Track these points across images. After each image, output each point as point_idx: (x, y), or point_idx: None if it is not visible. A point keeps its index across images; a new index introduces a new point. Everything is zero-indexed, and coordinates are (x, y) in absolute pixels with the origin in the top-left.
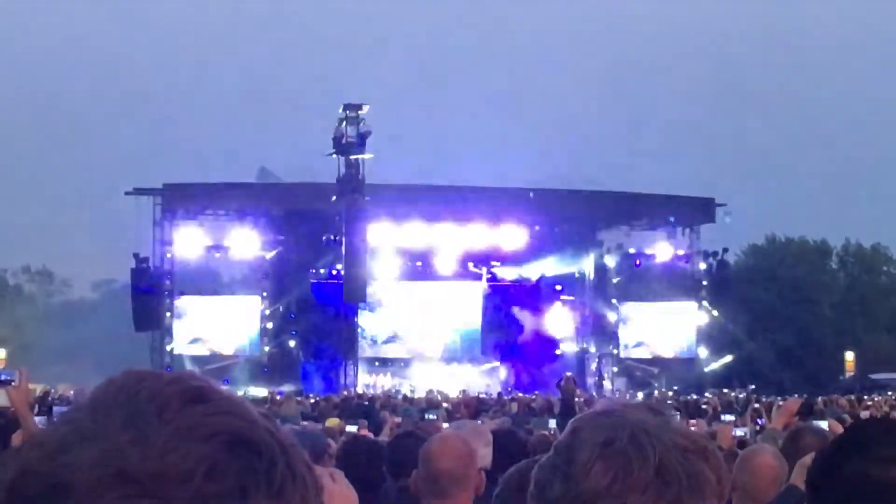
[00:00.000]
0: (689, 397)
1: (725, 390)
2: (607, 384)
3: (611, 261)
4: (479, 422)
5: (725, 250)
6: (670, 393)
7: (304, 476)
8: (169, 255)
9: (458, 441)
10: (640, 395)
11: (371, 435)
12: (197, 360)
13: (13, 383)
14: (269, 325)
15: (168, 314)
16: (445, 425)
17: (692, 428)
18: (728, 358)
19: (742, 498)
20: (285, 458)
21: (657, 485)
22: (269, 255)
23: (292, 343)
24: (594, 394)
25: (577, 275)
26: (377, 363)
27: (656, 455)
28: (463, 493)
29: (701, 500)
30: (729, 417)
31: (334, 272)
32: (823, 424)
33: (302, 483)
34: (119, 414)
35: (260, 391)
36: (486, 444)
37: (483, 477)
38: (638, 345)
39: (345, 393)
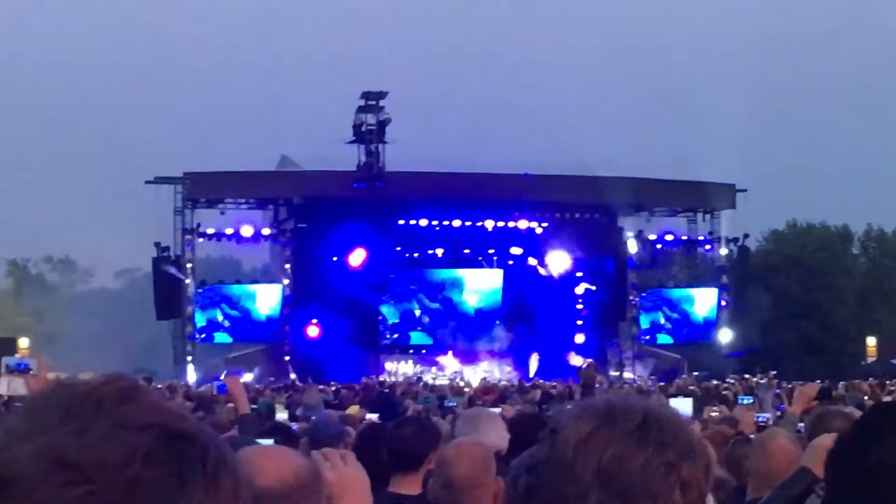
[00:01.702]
0: (710, 383)
1: (746, 376)
2: (627, 372)
3: (632, 247)
4: (499, 409)
5: (746, 236)
6: (691, 379)
7: (235, 465)
8: (190, 244)
9: (474, 447)
10: (662, 382)
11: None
12: (218, 348)
13: (31, 372)
14: (290, 313)
15: (190, 303)
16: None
17: (714, 413)
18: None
19: (757, 482)
20: (217, 447)
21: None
22: (290, 243)
23: (314, 331)
24: (615, 380)
25: (597, 261)
26: (399, 351)
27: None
28: (479, 501)
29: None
30: (747, 401)
31: (356, 260)
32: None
33: (233, 471)
34: (55, 413)
35: (283, 380)
36: (501, 430)
37: (501, 483)
38: (659, 331)
39: (365, 381)
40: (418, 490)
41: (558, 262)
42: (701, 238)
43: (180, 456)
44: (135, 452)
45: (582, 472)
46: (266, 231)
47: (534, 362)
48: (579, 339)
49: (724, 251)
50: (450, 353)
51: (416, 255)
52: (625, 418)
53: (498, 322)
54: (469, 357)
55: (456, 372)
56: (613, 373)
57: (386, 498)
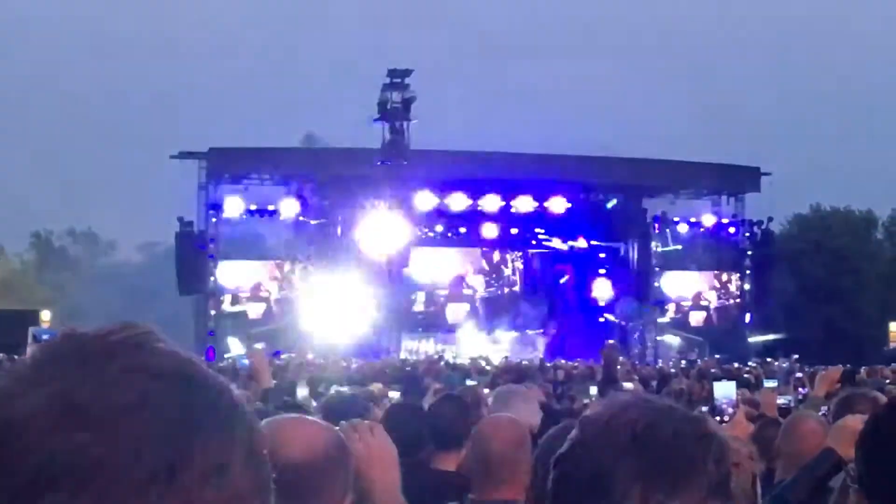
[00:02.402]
0: (731, 366)
1: (769, 359)
2: (650, 352)
3: (655, 229)
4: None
5: (770, 219)
6: (713, 361)
7: (251, 417)
8: (214, 219)
9: (509, 423)
10: (683, 363)
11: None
12: (242, 323)
13: None
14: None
15: (212, 278)
16: (486, 391)
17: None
18: (773, 336)
19: (787, 465)
20: (228, 395)
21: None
22: (315, 220)
23: (334, 309)
24: (637, 361)
25: (621, 243)
26: (420, 329)
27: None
28: (515, 478)
29: (693, 478)
30: (771, 384)
31: (379, 238)
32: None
33: (249, 422)
34: (70, 360)
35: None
36: (533, 407)
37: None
38: (682, 313)
39: (385, 359)
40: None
41: (582, 242)
42: (725, 221)
43: (193, 401)
44: (145, 397)
45: (617, 442)
46: (289, 207)
47: (556, 342)
48: (602, 319)
49: (748, 235)
50: (472, 331)
51: (440, 232)
52: (651, 398)
53: (521, 301)
54: (491, 336)
55: (477, 352)
56: (636, 353)
57: (431, 475)
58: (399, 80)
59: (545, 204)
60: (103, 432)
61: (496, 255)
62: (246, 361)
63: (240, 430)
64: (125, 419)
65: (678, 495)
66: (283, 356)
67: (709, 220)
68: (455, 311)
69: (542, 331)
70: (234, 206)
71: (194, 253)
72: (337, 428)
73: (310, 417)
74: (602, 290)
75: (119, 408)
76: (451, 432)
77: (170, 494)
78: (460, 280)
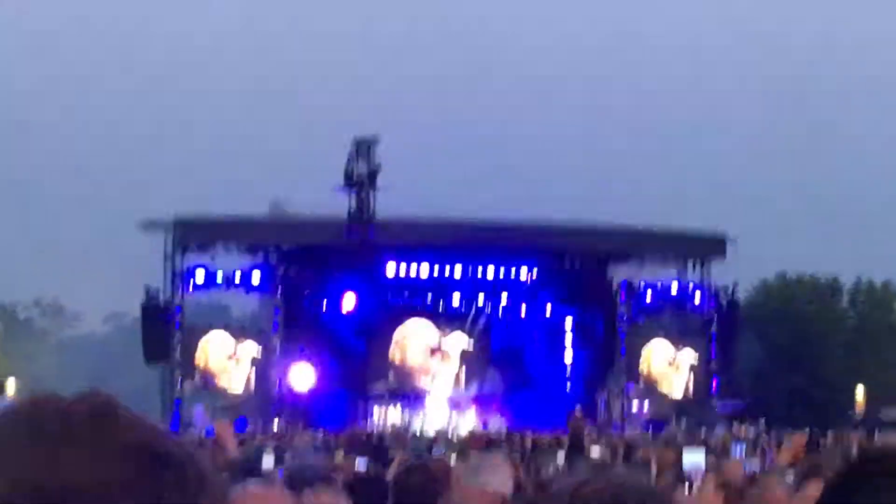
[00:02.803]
0: (699, 433)
1: (735, 424)
2: (616, 419)
3: (621, 296)
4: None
5: (735, 286)
6: (678, 429)
7: (214, 481)
8: (180, 289)
9: (484, 495)
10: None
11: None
12: (208, 394)
13: None
14: (280, 359)
15: (179, 348)
16: (454, 460)
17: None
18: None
19: None
20: (194, 466)
21: None
22: (280, 290)
23: (302, 378)
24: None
25: (586, 310)
26: (387, 398)
27: None
28: None
29: None
30: (738, 449)
31: (346, 307)
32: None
33: (211, 488)
34: (25, 433)
35: (273, 426)
36: (504, 475)
37: None
38: (648, 381)
39: (353, 430)
40: None
41: (547, 309)
42: (690, 288)
43: (158, 480)
44: (112, 479)
45: None
46: (256, 277)
47: (521, 410)
48: (568, 387)
49: (713, 302)
50: (438, 401)
51: (405, 302)
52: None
53: (487, 368)
54: (457, 405)
55: (445, 420)
56: (602, 421)
57: None
58: (365, 150)
59: (511, 271)
60: None
61: (462, 323)
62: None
63: (203, 502)
64: (93, 501)
65: None
66: (249, 426)
67: (674, 287)
68: (423, 379)
69: (508, 399)
70: (200, 275)
71: (160, 323)
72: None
73: (271, 486)
74: (568, 357)
75: (86, 492)
76: (418, 502)
77: None
78: (428, 348)
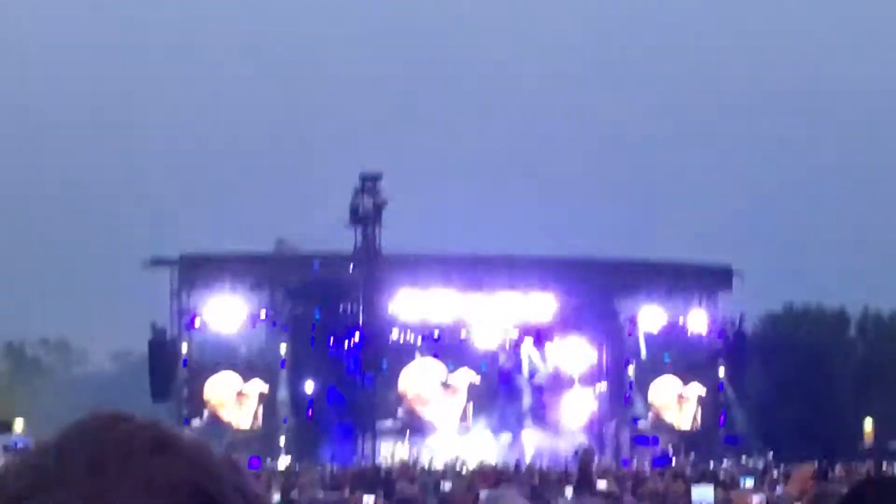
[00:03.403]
0: (707, 465)
1: (744, 457)
2: (625, 452)
3: (627, 331)
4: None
5: (742, 317)
6: (686, 462)
7: None
8: (186, 326)
9: None
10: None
11: None
12: (214, 431)
13: None
14: (287, 396)
15: (185, 385)
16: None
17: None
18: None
19: None
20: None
21: None
22: (286, 326)
23: (310, 413)
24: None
25: (592, 343)
26: (395, 433)
27: None
28: None
29: None
30: (749, 482)
31: (352, 343)
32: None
33: None
34: (83, 459)
35: (280, 463)
36: None
37: None
38: (655, 414)
39: (362, 463)
40: None
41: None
42: (698, 320)
43: None
44: None
45: None
46: (262, 314)
47: (531, 444)
48: (577, 423)
49: (720, 334)
50: (446, 435)
51: (413, 337)
52: None
53: (496, 403)
54: (465, 439)
55: (453, 454)
56: (610, 455)
57: None
58: (371, 185)
59: (518, 304)
60: None
61: (469, 358)
62: None
63: None
64: None
65: None
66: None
67: (681, 319)
68: (431, 414)
69: (516, 433)
70: (207, 312)
71: (167, 360)
72: None
73: None
74: (577, 392)
75: None
76: None
77: None
78: (436, 383)
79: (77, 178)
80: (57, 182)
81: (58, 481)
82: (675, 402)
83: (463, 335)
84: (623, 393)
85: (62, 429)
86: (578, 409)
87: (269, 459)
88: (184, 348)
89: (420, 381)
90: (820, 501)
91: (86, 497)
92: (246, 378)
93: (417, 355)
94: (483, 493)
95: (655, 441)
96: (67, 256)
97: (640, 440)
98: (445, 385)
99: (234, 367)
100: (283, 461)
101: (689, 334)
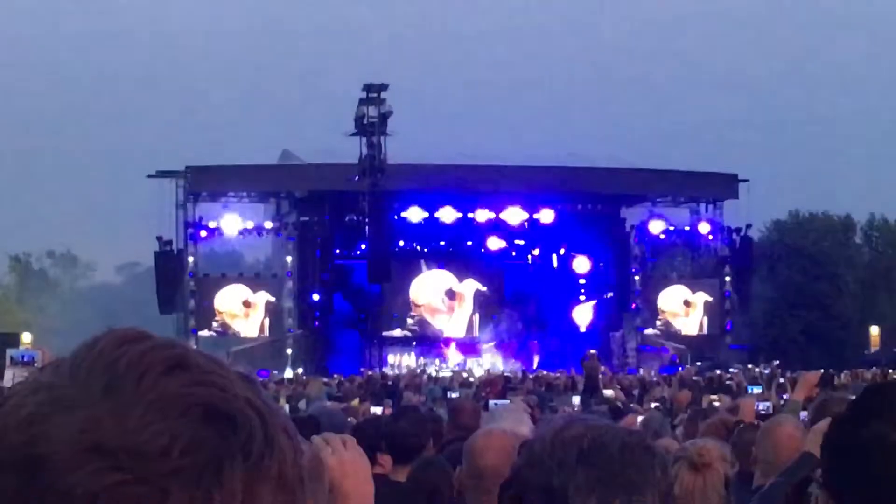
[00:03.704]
0: (713, 373)
1: (750, 366)
2: (631, 360)
3: (634, 238)
4: (508, 400)
5: (749, 226)
6: (694, 369)
7: (283, 446)
8: (192, 238)
9: (503, 436)
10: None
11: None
12: (222, 342)
13: (36, 364)
14: (294, 306)
15: (192, 297)
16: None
17: (716, 403)
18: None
19: (765, 469)
20: (263, 430)
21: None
22: (292, 237)
23: (317, 324)
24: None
25: (600, 252)
26: (403, 343)
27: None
28: None
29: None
30: (757, 390)
31: (358, 253)
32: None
33: (280, 453)
34: (99, 380)
35: (287, 373)
36: (525, 422)
37: None
38: (662, 322)
39: (368, 373)
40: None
41: (561, 252)
42: (704, 229)
43: (221, 444)
44: (174, 442)
45: (565, 458)
46: (268, 224)
47: (537, 353)
48: (582, 329)
49: (726, 242)
50: (453, 344)
51: (419, 247)
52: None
53: (502, 313)
54: (472, 349)
55: (459, 364)
56: (616, 362)
57: (387, 484)
58: (375, 95)
59: (524, 214)
60: (128, 474)
61: (475, 265)
62: None
63: (271, 466)
64: (152, 462)
65: (633, 501)
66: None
67: (687, 227)
68: (438, 324)
69: (523, 342)
70: (212, 224)
71: (173, 272)
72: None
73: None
74: (582, 299)
75: (146, 450)
76: (408, 445)
77: None
78: (443, 292)
79: (84, 90)
80: (62, 96)
81: (74, 403)
82: (682, 310)
83: (469, 245)
84: (629, 301)
85: (76, 348)
86: (584, 317)
87: (275, 371)
88: (190, 260)
89: (426, 290)
90: (825, 408)
91: (101, 419)
92: (252, 289)
93: (424, 265)
94: (491, 403)
95: (664, 350)
96: (73, 169)
97: (646, 349)
98: (452, 294)
99: (240, 278)
100: (290, 372)
101: (695, 242)
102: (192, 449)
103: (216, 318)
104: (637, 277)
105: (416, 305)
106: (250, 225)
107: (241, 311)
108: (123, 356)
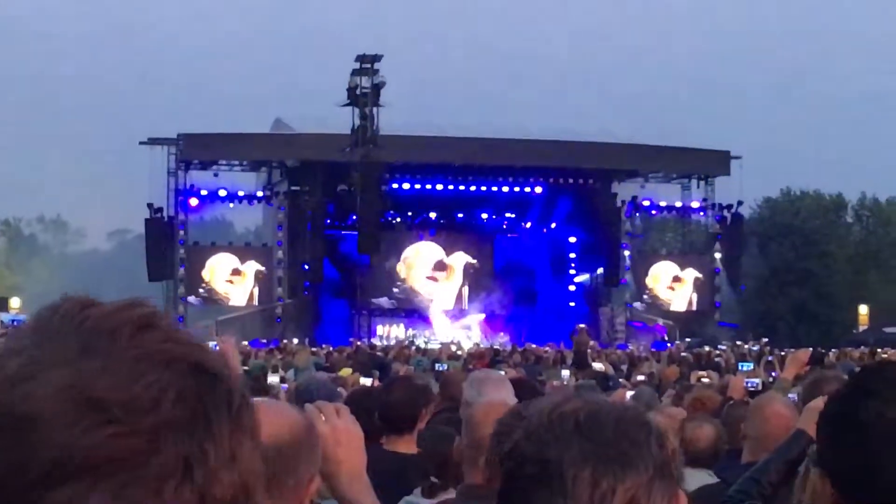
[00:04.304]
0: (702, 350)
1: (739, 343)
2: (620, 336)
3: (625, 213)
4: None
5: (740, 203)
6: (683, 346)
7: (251, 403)
8: (183, 205)
9: (502, 407)
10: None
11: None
12: (211, 310)
13: None
14: (283, 276)
15: (182, 264)
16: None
17: (704, 380)
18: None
19: (754, 446)
20: (238, 384)
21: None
22: (283, 206)
23: (306, 294)
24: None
25: (590, 227)
26: (392, 315)
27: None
28: None
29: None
30: (747, 367)
31: (349, 223)
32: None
33: (252, 409)
34: (72, 341)
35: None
36: (509, 392)
37: None
38: (652, 298)
39: (357, 344)
40: (414, 449)
41: (553, 226)
42: (695, 205)
43: (208, 395)
44: (165, 392)
45: (561, 431)
46: (259, 193)
47: (526, 326)
48: (572, 304)
49: (717, 218)
50: (442, 316)
51: (409, 218)
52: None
53: (492, 286)
54: (462, 321)
55: (449, 336)
56: (606, 337)
57: (385, 456)
58: (368, 66)
59: (515, 188)
60: (122, 426)
61: (465, 239)
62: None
63: (247, 420)
64: (144, 414)
65: (627, 475)
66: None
67: (678, 203)
68: (427, 295)
69: (512, 315)
70: (203, 191)
71: (163, 239)
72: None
73: (276, 401)
74: (572, 274)
75: (137, 403)
76: (402, 415)
77: (184, 487)
78: (433, 263)
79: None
80: (56, 61)
81: (54, 362)
82: (672, 286)
83: (460, 217)
84: (619, 277)
85: (35, 314)
86: (574, 292)
87: (264, 340)
88: (181, 227)
89: (416, 261)
90: (818, 386)
91: (88, 374)
92: (242, 258)
93: (414, 236)
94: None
95: (658, 327)
96: (66, 135)
97: (635, 324)
98: (441, 265)
99: (230, 247)
100: (279, 341)
101: (686, 218)
102: (183, 400)
103: (205, 286)
104: (627, 252)
105: (405, 276)
106: (241, 194)
107: (231, 279)
108: (88, 318)
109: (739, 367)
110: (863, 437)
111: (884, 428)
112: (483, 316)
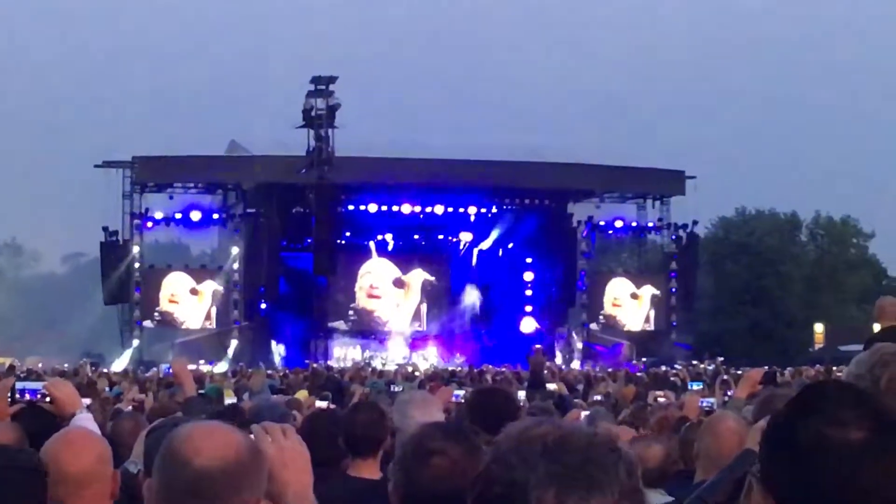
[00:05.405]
0: (658, 369)
1: (695, 362)
2: (575, 363)
3: (581, 233)
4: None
5: (695, 223)
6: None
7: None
8: (138, 228)
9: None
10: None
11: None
12: (166, 333)
13: None
14: (239, 298)
15: (137, 288)
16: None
17: (661, 399)
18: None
19: (706, 464)
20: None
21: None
22: (238, 228)
23: (262, 316)
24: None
25: (546, 248)
26: (349, 336)
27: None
28: None
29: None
30: (697, 386)
31: (304, 245)
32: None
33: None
34: None
35: (231, 365)
36: (435, 412)
37: None
38: (607, 318)
39: (313, 366)
40: (378, 475)
41: (507, 247)
42: (650, 224)
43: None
44: None
45: (529, 453)
46: (215, 215)
47: (481, 348)
48: (528, 325)
49: (672, 238)
50: (399, 337)
51: (366, 239)
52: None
53: (447, 308)
54: (418, 342)
55: (405, 357)
56: (561, 358)
57: (347, 482)
58: (323, 87)
59: (470, 210)
60: None
61: (419, 259)
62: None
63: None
64: None
65: (592, 498)
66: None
67: (634, 223)
68: (385, 315)
69: (468, 336)
70: (158, 215)
71: (119, 262)
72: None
73: (222, 423)
74: (526, 295)
75: None
76: (367, 438)
77: None
78: (389, 282)
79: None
80: (10, 83)
81: None
82: (628, 306)
83: (417, 238)
84: (575, 297)
85: None
86: (530, 312)
87: (220, 362)
88: (136, 251)
89: (372, 281)
90: (769, 404)
91: None
92: (198, 280)
93: (371, 256)
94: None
95: (613, 348)
96: (20, 159)
97: (592, 345)
98: (400, 283)
99: (186, 269)
100: (227, 365)
101: (642, 238)
102: None
103: (161, 309)
104: (584, 273)
105: (362, 297)
106: (197, 217)
107: (187, 302)
108: None
109: (689, 386)
110: (802, 455)
111: (822, 447)
112: (440, 336)
